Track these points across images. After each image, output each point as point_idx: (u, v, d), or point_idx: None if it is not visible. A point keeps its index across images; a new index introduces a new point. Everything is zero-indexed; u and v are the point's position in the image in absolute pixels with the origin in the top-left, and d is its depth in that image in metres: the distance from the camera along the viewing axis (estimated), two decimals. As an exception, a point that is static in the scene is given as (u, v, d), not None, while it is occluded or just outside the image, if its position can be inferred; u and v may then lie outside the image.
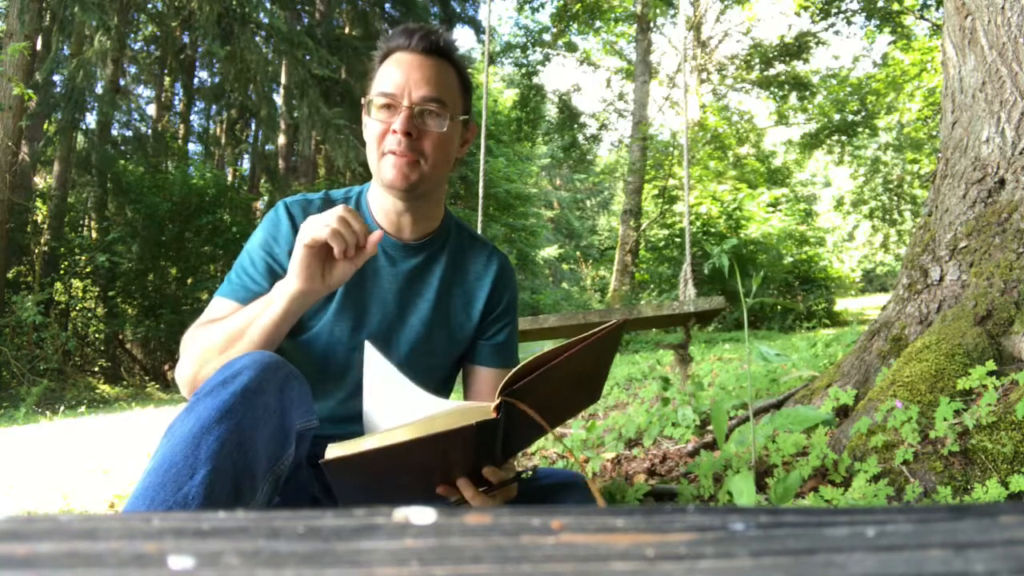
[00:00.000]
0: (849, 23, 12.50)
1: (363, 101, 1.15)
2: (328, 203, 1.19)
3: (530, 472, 1.04)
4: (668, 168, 12.97)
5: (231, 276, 1.14)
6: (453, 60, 1.13)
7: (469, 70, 1.19)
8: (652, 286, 12.34)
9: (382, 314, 1.17)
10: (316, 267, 0.94)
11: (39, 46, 9.52)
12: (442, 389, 1.28)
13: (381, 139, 1.09)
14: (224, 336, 0.98)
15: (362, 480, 0.82)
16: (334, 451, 0.75)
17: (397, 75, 1.08)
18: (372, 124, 1.10)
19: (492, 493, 0.94)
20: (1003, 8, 1.78)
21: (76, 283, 10.84)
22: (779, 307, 10.90)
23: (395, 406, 0.97)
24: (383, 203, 1.18)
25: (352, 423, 1.16)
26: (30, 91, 7.93)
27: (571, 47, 15.37)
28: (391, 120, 1.08)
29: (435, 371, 1.23)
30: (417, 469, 0.86)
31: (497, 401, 0.82)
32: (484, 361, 1.24)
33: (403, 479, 0.87)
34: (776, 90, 15.23)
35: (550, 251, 25.73)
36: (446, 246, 1.24)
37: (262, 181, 14.18)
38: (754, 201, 12.12)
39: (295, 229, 1.13)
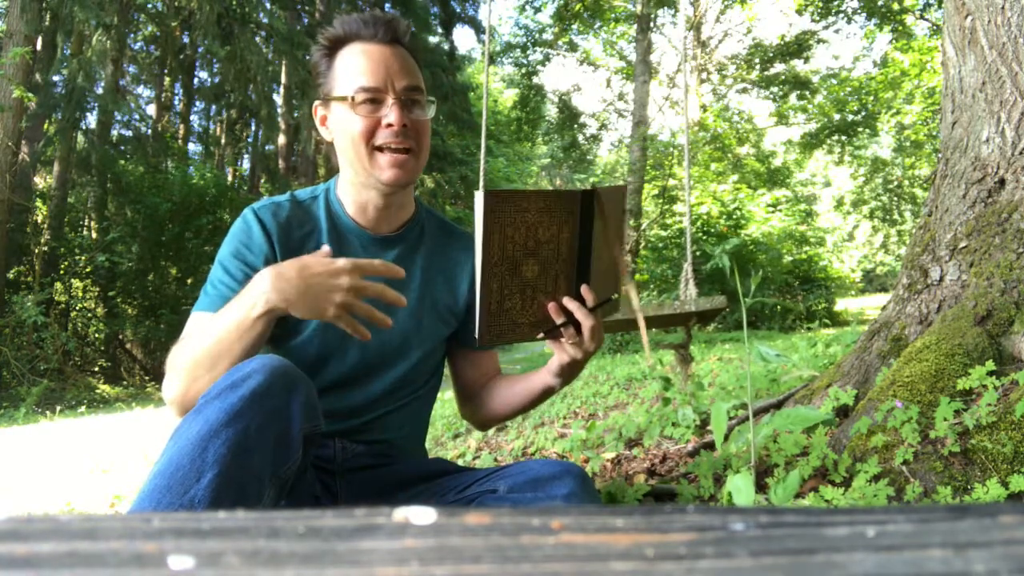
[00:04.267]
0: (850, 21, 12.50)
1: (328, 97, 1.11)
2: (296, 204, 1.17)
3: (617, 296, 1.10)
4: (668, 168, 12.97)
5: (207, 289, 1.10)
6: (411, 47, 1.13)
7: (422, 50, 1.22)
8: (652, 286, 12.34)
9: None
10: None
11: (39, 46, 9.53)
12: (438, 372, 1.29)
13: (369, 135, 1.07)
14: (209, 354, 0.95)
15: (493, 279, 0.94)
16: (487, 190, 0.88)
17: (373, 67, 1.06)
18: (353, 120, 1.06)
19: (595, 311, 1.03)
20: (1003, 8, 1.78)
21: (76, 283, 10.84)
22: (779, 307, 10.90)
23: None
24: (358, 198, 1.16)
25: (349, 418, 1.16)
26: (30, 93, 7.93)
27: (571, 47, 15.37)
28: (376, 114, 1.06)
29: (429, 358, 1.23)
30: (538, 263, 0.97)
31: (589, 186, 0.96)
32: (473, 344, 1.23)
33: (523, 282, 0.97)
34: (776, 90, 15.23)
35: (550, 251, 25.65)
36: (423, 235, 1.23)
37: (262, 181, 14.18)
38: (754, 201, 12.12)
39: (267, 235, 1.11)
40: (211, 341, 0.95)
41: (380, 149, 1.08)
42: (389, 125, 1.05)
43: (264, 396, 0.82)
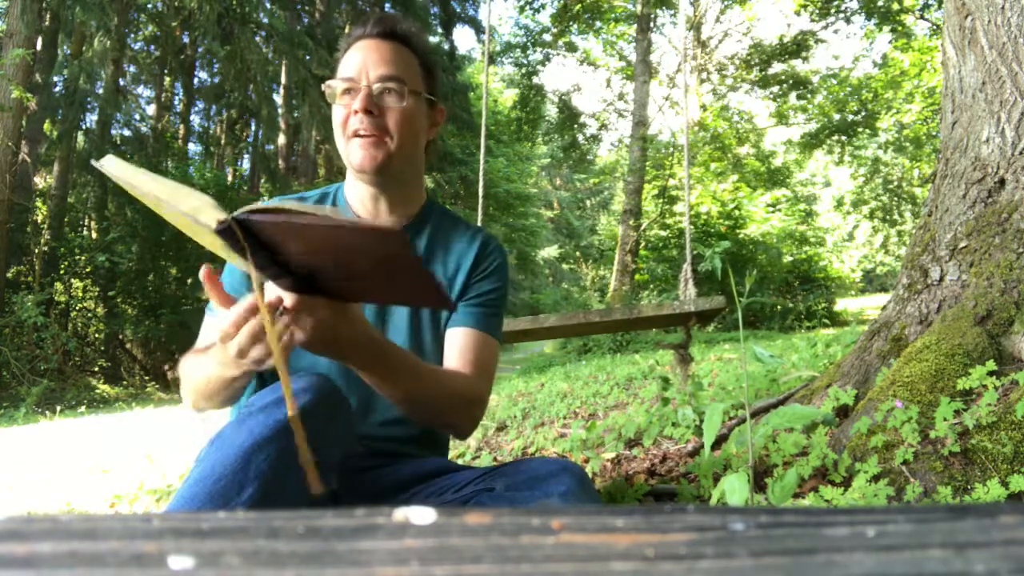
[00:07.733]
0: (849, 22, 12.50)
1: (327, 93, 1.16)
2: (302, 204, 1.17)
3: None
4: (668, 168, 12.97)
5: None
6: (411, 45, 1.15)
7: (433, 56, 1.20)
8: (652, 286, 12.34)
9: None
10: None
11: (39, 47, 9.52)
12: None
13: (345, 123, 1.11)
14: (203, 390, 0.95)
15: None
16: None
17: (356, 59, 1.11)
18: (336, 111, 1.12)
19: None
20: (1003, 8, 1.78)
21: (76, 283, 10.84)
22: (779, 307, 10.91)
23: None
24: (359, 194, 1.18)
25: None
26: (29, 95, 7.93)
27: (571, 47, 15.38)
28: (352, 103, 1.10)
29: (427, 359, 1.19)
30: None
31: (224, 217, 0.69)
32: (457, 322, 1.18)
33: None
34: (776, 89, 15.23)
35: (550, 251, 25.71)
36: (426, 228, 1.23)
37: (262, 181, 14.17)
38: (754, 201, 12.12)
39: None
40: (202, 380, 0.94)
41: (354, 137, 1.11)
42: (356, 111, 1.09)
43: (310, 417, 0.80)
